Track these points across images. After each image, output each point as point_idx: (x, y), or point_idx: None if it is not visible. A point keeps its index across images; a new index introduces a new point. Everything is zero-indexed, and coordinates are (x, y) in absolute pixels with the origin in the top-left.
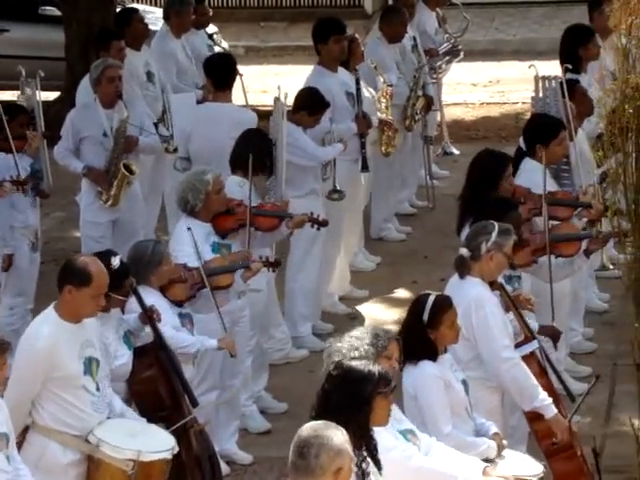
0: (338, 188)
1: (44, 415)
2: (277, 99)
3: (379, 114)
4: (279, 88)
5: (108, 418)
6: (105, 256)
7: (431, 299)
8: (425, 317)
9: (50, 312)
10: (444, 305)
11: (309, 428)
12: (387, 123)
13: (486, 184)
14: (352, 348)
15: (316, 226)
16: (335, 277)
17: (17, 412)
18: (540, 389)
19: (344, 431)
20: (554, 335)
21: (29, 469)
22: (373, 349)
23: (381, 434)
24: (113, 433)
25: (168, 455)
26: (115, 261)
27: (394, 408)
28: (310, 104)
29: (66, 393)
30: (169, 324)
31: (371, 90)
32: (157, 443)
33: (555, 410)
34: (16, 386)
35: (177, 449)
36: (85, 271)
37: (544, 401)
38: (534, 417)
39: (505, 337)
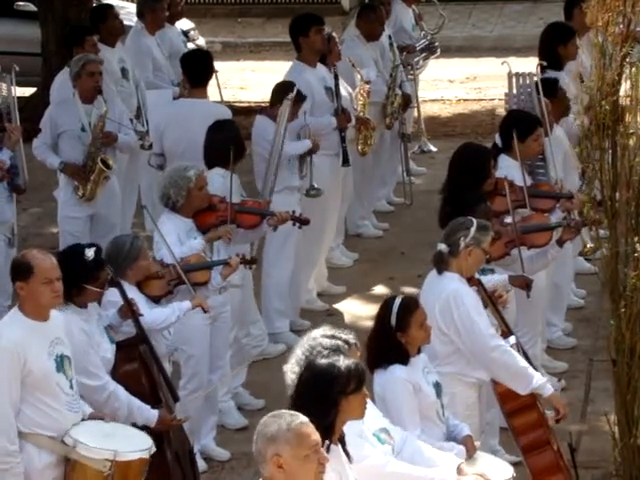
0: (315, 186)
1: (20, 418)
2: (288, 98)
3: (356, 113)
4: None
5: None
6: (79, 248)
7: (397, 302)
8: (393, 321)
9: (15, 312)
10: (410, 307)
11: (266, 416)
12: (364, 122)
13: (473, 178)
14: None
15: (297, 224)
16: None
17: (9, 421)
18: (533, 370)
19: (297, 421)
20: (525, 285)
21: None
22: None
23: (357, 443)
24: (89, 434)
25: (145, 455)
26: (89, 252)
27: (369, 405)
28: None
29: (42, 393)
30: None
31: (348, 88)
32: (134, 443)
33: (552, 388)
34: None
35: (154, 449)
36: (24, 263)
37: (540, 381)
38: (512, 413)
39: (490, 327)
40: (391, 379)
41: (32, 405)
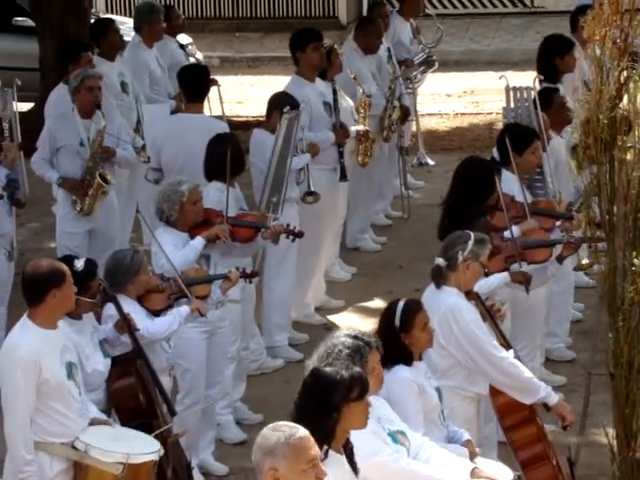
0: (312, 189)
1: (33, 428)
2: (285, 112)
3: (356, 125)
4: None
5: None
6: (68, 260)
7: (401, 303)
8: (397, 322)
9: (26, 322)
10: (414, 308)
11: (266, 427)
12: (364, 134)
13: (477, 193)
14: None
15: (291, 237)
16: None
17: (26, 430)
18: (538, 380)
19: (296, 435)
20: (525, 280)
21: None
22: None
23: (369, 439)
24: (99, 438)
25: (155, 457)
26: (79, 263)
27: (386, 407)
28: (282, 107)
29: (55, 402)
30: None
31: (349, 100)
32: (143, 445)
33: (557, 396)
34: (15, 402)
35: (163, 451)
36: (58, 270)
37: (546, 390)
38: (511, 427)
39: (492, 339)
40: (396, 380)
41: (45, 414)
